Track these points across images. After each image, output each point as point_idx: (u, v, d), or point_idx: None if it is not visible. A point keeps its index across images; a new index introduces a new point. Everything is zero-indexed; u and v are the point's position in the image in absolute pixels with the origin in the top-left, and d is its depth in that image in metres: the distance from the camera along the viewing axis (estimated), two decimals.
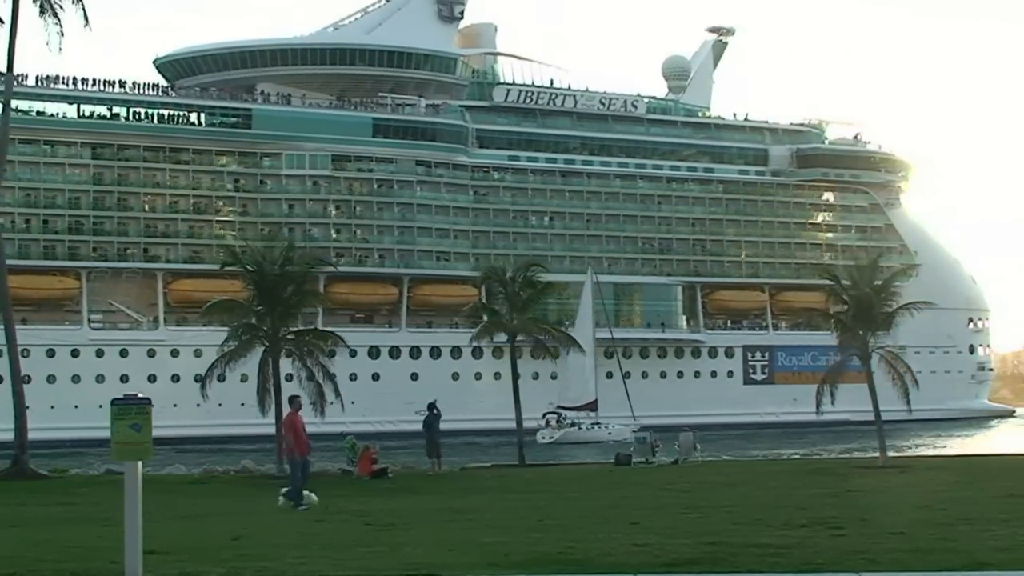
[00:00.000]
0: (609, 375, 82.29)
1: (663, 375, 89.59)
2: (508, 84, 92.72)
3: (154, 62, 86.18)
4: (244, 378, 36.34)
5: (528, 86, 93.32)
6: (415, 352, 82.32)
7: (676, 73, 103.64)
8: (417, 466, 34.16)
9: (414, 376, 79.36)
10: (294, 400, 22.21)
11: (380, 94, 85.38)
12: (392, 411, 68.68)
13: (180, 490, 25.52)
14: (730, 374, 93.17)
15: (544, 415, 71.35)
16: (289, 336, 35.84)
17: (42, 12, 34.40)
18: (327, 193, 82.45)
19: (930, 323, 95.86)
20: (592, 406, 69.80)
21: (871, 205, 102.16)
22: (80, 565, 12.37)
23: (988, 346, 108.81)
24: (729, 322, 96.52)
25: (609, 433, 66.86)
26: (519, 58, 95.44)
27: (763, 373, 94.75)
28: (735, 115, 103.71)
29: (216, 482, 29.69)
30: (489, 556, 12.51)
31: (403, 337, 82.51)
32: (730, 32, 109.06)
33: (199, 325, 75.83)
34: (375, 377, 78.82)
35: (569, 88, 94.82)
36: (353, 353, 73.94)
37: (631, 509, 18.82)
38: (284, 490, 20.97)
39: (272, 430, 32.59)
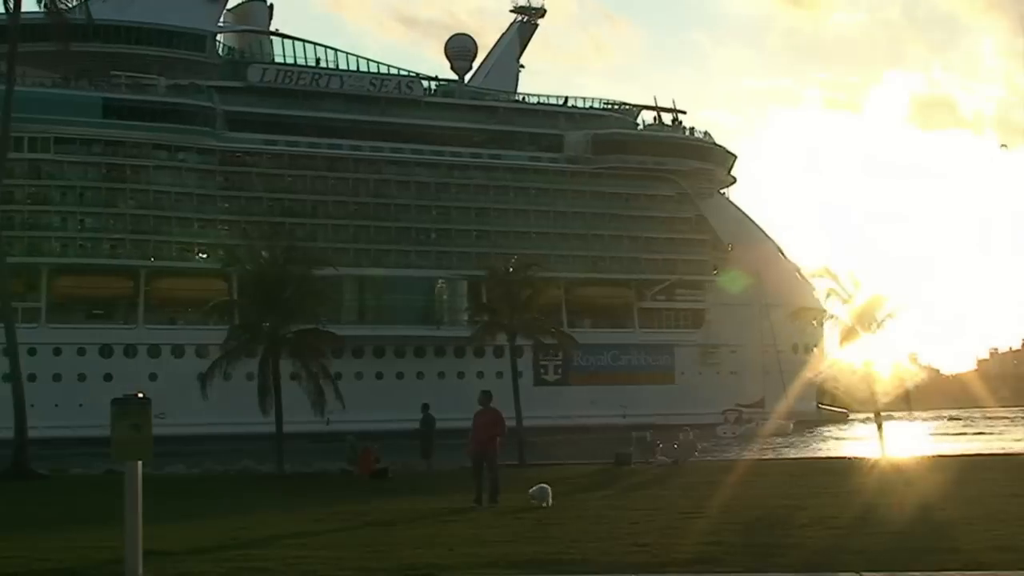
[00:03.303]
0: (379, 375, 79.37)
1: (441, 375, 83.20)
2: (265, 64, 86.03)
3: None
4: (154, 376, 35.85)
5: (288, 66, 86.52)
6: (153, 351, 76.42)
7: (460, 53, 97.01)
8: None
9: (153, 377, 72.97)
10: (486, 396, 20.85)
11: (113, 72, 78.00)
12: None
13: (180, 490, 25.50)
14: (519, 375, 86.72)
15: (724, 412, 77.06)
16: (289, 336, 35.91)
17: (48, 13, 34.44)
18: (49, 179, 75.99)
19: (747, 320, 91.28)
20: (760, 403, 74.60)
21: (679, 195, 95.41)
22: (80, 565, 12.36)
23: (817, 346, 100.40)
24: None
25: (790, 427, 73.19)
26: (285, 36, 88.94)
27: (556, 373, 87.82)
28: (522, 97, 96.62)
29: (216, 482, 29.68)
30: (488, 556, 12.50)
31: (140, 334, 76.39)
32: (539, 13, 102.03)
33: None
34: (107, 378, 72.23)
35: (336, 68, 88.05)
36: (82, 351, 71.08)
37: (631, 509, 18.81)
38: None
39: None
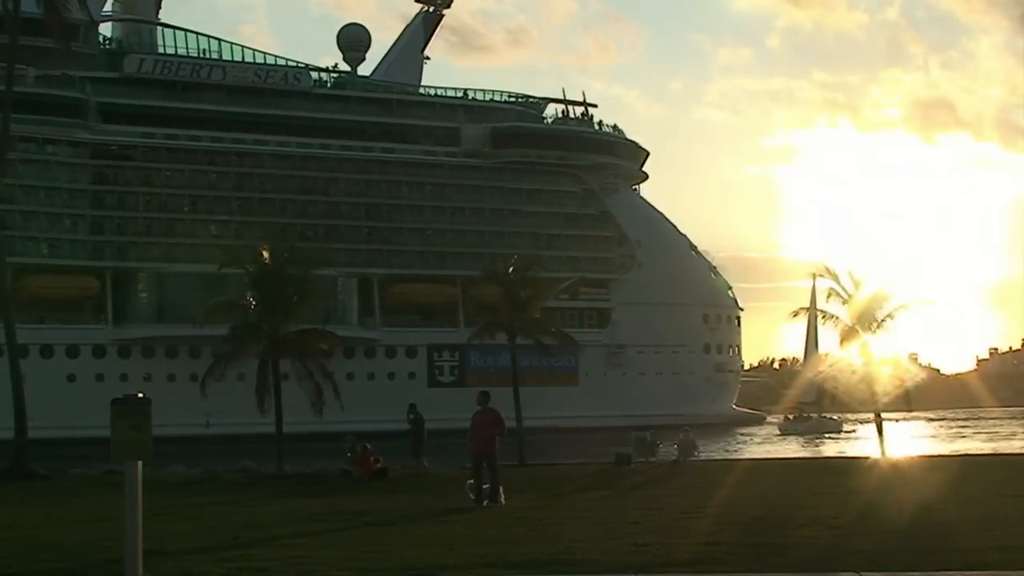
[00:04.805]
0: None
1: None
2: (142, 54, 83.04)
3: None
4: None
5: (168, 56, 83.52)
6: (20, 351, 73.33)
7: (352, 44, 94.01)
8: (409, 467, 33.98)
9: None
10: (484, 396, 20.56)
11: None
12: None
13: (180, 490, 25.49)
14: (412, 376, 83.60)
15: (783, 410, 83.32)
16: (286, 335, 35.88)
17: (47, 10, 34.47)
18: None
19: (656, 320, 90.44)
20: (817, 403, 78.35)
21: (584, 190, 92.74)
22: (80, 565, 12.36)
23: (734, 347, 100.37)
24: (418, 319, 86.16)
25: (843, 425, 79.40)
26: (169, 26, 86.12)
27: (452, 375, 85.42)
28: (426, 91, 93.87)
29: (216, 482, 29.65)
30: (488, 556, 12.49)
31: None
32: (445, 3, 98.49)
33: None
34: None
35: (220, 59, 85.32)
36: None
37: (631, 509, 18.80)
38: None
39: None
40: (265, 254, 37.31)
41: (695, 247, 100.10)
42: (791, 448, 60.69)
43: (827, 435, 74.40)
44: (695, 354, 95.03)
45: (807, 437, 72.53)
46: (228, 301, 41.47)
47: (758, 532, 14.56)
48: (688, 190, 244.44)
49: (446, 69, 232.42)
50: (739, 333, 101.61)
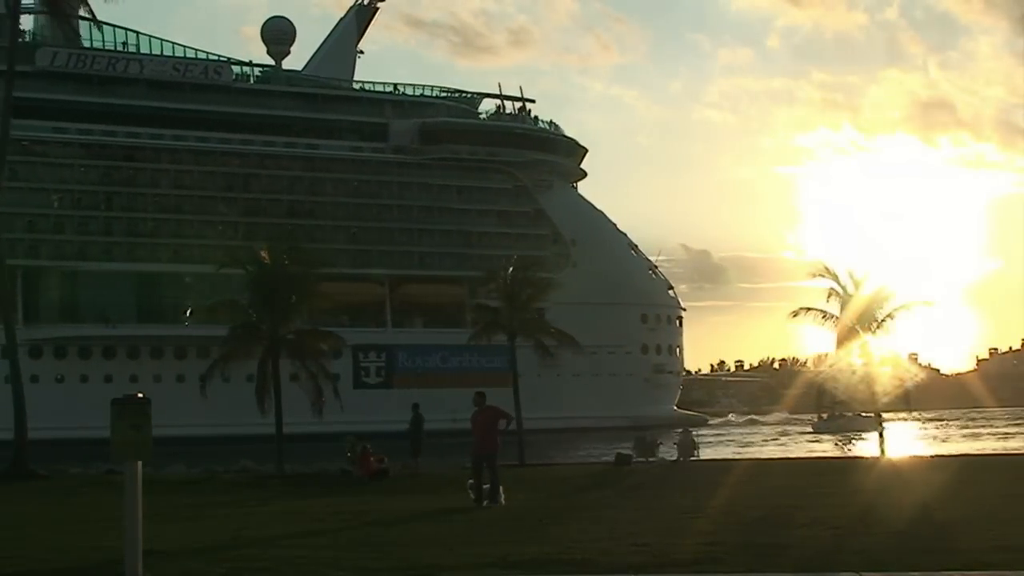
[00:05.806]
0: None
1: (249, 379, 76.54)
2: (56, 47, 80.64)
3: None
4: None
5: (84, 49, 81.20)
6: None
7: (276, 37, 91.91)
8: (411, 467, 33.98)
9: None
10: (480, 397, 20.52)
11: None
12: None
13: (180, 490, 25.49)
14: (336, 377, 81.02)
15: (817, 410, 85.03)
16: (289, 337, 35.89)
17: (52, 11, 34.50)
18: None
19: (591, 320, 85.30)
20: (846, 403, 78.83)
21: (516, 187, 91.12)
22: (80, 565, 12.35)
23: (675, 347, 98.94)
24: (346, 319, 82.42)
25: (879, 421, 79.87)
26: (87, 19, 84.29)
27: (379, 376, 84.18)
28: (347, 83, 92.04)
29: (216, 482, 29.66)
30: (488, 556, 12.48)
31: None
32: None
33: None
34: None
35: (138, 52, 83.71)
36: None
37: (631, 509, 18.79)
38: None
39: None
40: (264, 254, 37.32)
41: (635, 245, 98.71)
42: (790, 448, 60.65)
43: (860, 433, 74.32)
44: (632, 355, 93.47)
45: (840, 435, 72.58)
46: (227, 301, 41.32)
47: (758, 532, 14.55)
48: (688, 190, 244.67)
49: (448, 70, 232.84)
50: (680, 333, 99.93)
